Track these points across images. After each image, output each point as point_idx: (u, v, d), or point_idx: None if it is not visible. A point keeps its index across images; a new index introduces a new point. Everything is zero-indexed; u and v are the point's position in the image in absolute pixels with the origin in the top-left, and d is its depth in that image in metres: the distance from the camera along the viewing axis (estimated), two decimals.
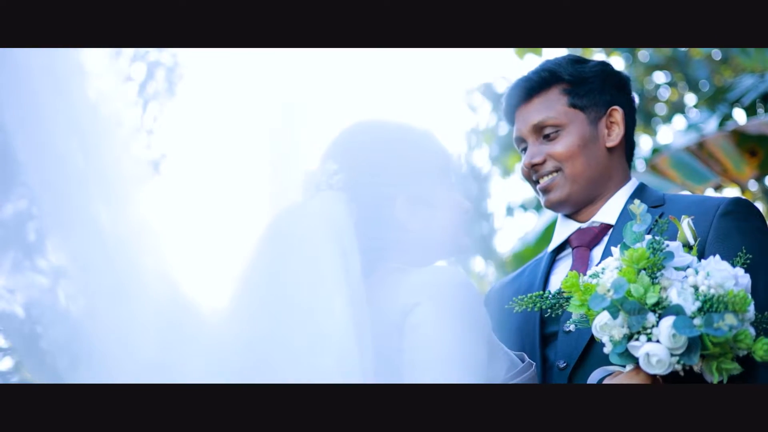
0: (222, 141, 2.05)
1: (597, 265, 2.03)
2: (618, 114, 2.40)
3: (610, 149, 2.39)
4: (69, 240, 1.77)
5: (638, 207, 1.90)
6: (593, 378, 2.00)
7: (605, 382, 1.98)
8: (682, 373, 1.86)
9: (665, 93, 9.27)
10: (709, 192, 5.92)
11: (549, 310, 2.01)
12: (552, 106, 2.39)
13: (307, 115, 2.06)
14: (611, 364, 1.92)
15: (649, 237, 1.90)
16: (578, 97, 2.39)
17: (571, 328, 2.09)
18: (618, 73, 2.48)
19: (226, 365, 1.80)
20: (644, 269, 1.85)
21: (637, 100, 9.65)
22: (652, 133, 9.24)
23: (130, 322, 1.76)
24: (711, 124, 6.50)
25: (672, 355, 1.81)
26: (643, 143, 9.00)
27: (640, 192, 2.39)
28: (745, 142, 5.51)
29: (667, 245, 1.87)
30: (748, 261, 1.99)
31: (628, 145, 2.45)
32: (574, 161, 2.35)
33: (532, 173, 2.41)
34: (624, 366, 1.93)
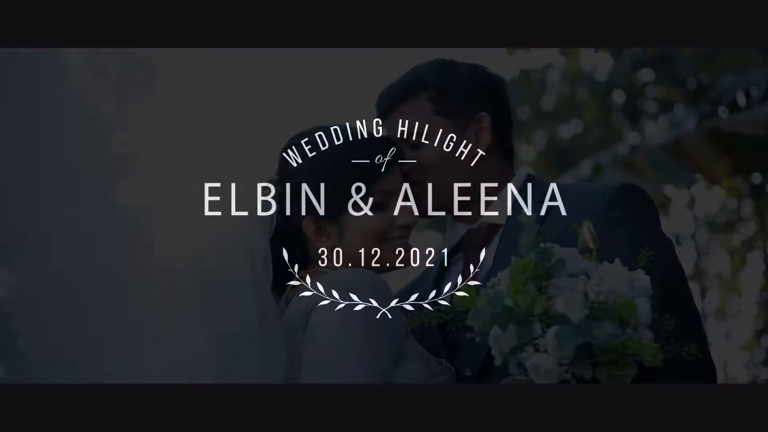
0: (197, 137, 2.09)
1: (488, 267, 1.99)
2: (485, 120, 2.34)
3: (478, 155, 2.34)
4: (39, 235, 1.81)
5: (524, 218, 1.87)
6: None
7: None
8: (573, 382, 1.84)
9: (653, 90, 9.24)
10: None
11: (449, 324, 2.00)
12: (417, 113, 2.33)
13: (286, 115, 2.12)
14: None
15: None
16: (444, 104, 2.33)
17: (478, 339, 2.08)
18: (489, 78, 2.41)
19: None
20: (531, 279, 1.83)
21: (623, 96, 9.45)
22: (640, 130, 9.22)
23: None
24: (691, 122, 6.48)
25: (560, 364, 1.80)
26: (632, 141, 8.96)
27: (526, 187, 2.34)
28: (721, 141, 5.48)
29: (554, 253, 1.85)
30: (651, 258, 1.97)
31: (503, 148, 2.39)
32: (436, 170, 2.31)
33: None
34: (527, 375, 1.92)
